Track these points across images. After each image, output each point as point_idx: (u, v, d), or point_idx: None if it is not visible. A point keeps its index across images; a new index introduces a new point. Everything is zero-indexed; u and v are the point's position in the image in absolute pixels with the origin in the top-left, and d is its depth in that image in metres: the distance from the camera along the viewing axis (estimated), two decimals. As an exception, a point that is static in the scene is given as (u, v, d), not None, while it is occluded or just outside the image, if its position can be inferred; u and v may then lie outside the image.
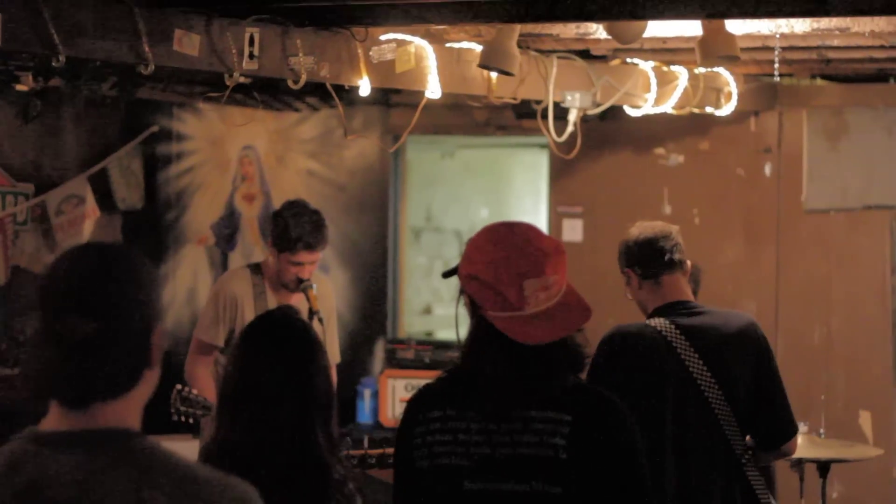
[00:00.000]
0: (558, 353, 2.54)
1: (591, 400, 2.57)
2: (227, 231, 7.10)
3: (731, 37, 4.77)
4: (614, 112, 6.25)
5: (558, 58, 5.67)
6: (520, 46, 5.09)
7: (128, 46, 4.00)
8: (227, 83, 4.40)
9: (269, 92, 6.73)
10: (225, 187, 7.10)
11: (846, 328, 6.92)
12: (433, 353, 7.52)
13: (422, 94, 5.17)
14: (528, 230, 2.61)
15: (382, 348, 7.79)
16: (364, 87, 4.83)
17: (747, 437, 3.83)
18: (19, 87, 5.71)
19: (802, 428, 4.56)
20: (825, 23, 4.83)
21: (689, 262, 3.96)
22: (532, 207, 8.83)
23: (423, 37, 5.01)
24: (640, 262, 3.90)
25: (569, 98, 5.68)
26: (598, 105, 5.85)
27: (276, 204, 6.05)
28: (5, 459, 1.86)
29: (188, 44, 4.16)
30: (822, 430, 5.16)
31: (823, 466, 4.94)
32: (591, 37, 5.16)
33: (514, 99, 5.67)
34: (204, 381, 5.07)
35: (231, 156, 7.12)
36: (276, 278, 5.12)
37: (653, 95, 6.08)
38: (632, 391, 3.48)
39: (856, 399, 6.83)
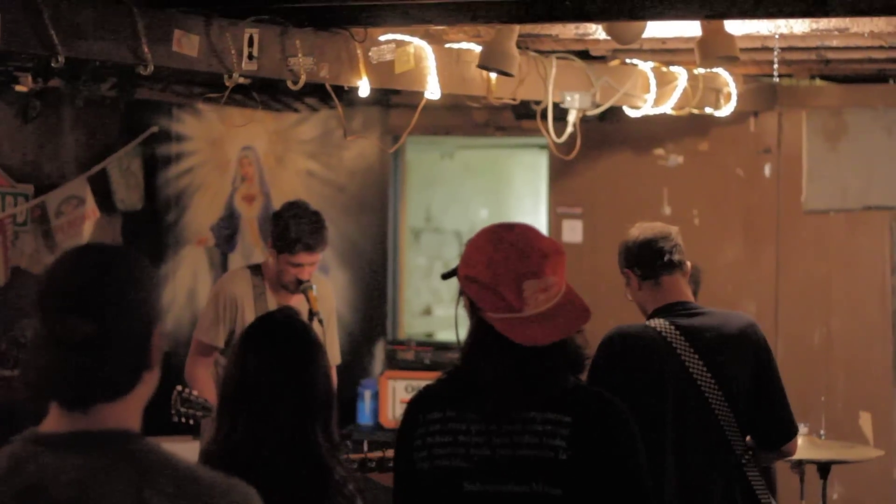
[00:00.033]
0: (558, 355, 2.54)
1: (590, 401, 2.57)
2: (226, 232, 7.10)
3: (730, 37, 4.77)
4: (614, 113, 6.25)
5: (557, 58, 5.67)
6: (519, 47, 5.09)
7: (127, 47, 4.00)
8: (227, 84, 4.39)
9: (268, 92, 6.73)
10: (224, 188, 7.10)
11: (846, 329, 6.92)
12: (433, 354, 7.52)
13: (421, 94, 5.17)
14: (527, 231, 2.60)
15: (382, 349, 7.79)
16: (363, 88, 4.83)
17: (747, 438, 3.83)
18: (19, 88, 5.71)
19: (803, 429, 4.56)
20: (824, 23, 4.83)
21: (688, 263, 3.96)
22: (532, 208, 8.83)
23: (422, 37, 5.01)
24: (640, 263, 3.90)
25: (568, 99, 5.68)
26: (598, 106, 5.85)
27: (276, 205, 6.05)
28: (6, 461, 1.86)
29: (187, 44, 4.16)
30: (822, 432, 5.16)
31: (824, 467, 4.94)
32: (591, 37, 5.16)
33: (514, 99, 5.67)
34: (204, 383, 5.07)
35: (230, 156, 7.13)
36: (276, 279, 5.12)
37: (652, 96, 6.08)
38: (632, 392, 3.47)
39: (856, 400, 6.83)
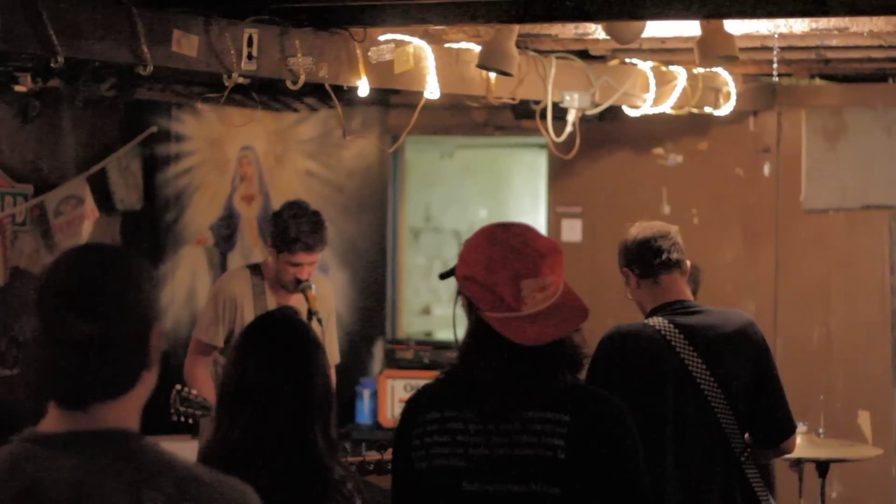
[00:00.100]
0: (556, 354, 2.54)
1: (589, 400, 2.57)
2: (225, 231, 7.10)
3: (729, 37, 4.77)
4: (613, 112, 6.25)
5: (557, 58, 5.67)
6: (518, 47, 5.09)
7: (126, 47, 4.00)
8: (226, 84, 4.40)
9: (267, 92, 6.73)
10: (224, 188, 7.10)
11: (845, 328, 6.92)
12: (432, 353, 7.52)
13: (420, 94, 5.17)
14: (525, 231, 2.60)
15: (381, 349, 7.79)
16: (363, 88, 4.83)
17: (746, 436, 3.83)
18: (18, 88, 5.71)
19: (801, 428, 4.56)
20: (824, 23, 4.83)
21: (688, 262, 3.96)
22: (531, 207, 8.83)
23: (421, 37, 5.01)
24: (639, 262, 3.90)
25: (567, 98, 5.69)
26: (597, 105, 5.85)
27: (275, 204, 6.06)
28: (5, 460, 1.86)
29: (187, 44, 4.16)
30: (821, 430, 5.16)
31: (822, 466, 4.94)
32: (590, 37, 5.16)
33: (513, 99, 5.67)
34: (203, 382, 5.08)
35: (230, 156, 7.13)
36: (275, 279, 5.12)
37: (651, 95, 6.08)
38: (631, 391, 3.48)
39: (855, 399, 6.83)
